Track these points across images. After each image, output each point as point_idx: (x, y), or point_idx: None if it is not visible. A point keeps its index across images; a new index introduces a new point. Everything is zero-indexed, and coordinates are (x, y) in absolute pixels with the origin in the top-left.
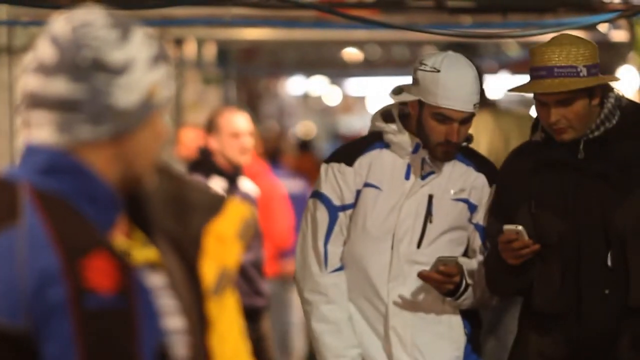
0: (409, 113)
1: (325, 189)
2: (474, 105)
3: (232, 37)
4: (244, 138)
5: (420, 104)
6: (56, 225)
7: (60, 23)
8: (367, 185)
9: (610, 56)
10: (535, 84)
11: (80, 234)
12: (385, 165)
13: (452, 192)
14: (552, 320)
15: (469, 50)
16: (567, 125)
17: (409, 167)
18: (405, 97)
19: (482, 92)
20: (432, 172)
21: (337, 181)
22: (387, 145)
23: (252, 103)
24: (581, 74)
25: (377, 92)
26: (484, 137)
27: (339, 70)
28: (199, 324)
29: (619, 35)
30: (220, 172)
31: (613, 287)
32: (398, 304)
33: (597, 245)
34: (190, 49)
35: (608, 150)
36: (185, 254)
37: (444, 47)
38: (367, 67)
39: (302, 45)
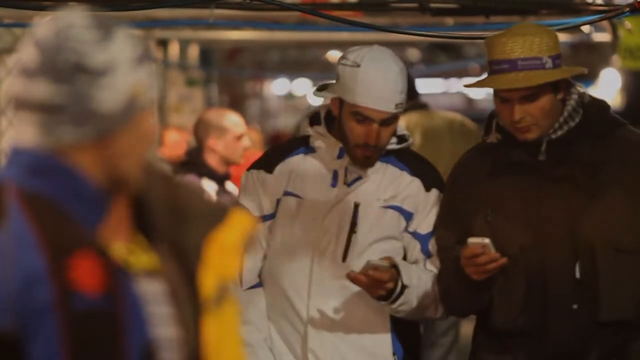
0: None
1: (244, 198)
2: (397, 105)
3: (215, 38)
4: (245, 139)
5: (341, 102)
6: (42, 225)
7: (44, 26)
8: (287, 193)
9: (592, 58)
10: (497, 79)
11: (66, 234)
12: (309, 171)
13: (382, 199)
14: (514, 338)
15: (452, 52)
16: (531, 123)
17: (335, 173)
18: (326, 94)
19: (415, 93)
20: (359, 178)
21: (257, 189)
22: (313, 150)
23: (235, 104)
24: (547, 66)
25: None
26: (415, 139)
27: (322, 73)
28: (196, 334)
29: (602, 37)
30: (211, 174)
31: (582, 302)
32: (318, 323)
33: (564, 256)
34: (173, 51)
35: (572, 152)
36: (186, 262)
37: (427, 48)
38: None
39: (286, 47)
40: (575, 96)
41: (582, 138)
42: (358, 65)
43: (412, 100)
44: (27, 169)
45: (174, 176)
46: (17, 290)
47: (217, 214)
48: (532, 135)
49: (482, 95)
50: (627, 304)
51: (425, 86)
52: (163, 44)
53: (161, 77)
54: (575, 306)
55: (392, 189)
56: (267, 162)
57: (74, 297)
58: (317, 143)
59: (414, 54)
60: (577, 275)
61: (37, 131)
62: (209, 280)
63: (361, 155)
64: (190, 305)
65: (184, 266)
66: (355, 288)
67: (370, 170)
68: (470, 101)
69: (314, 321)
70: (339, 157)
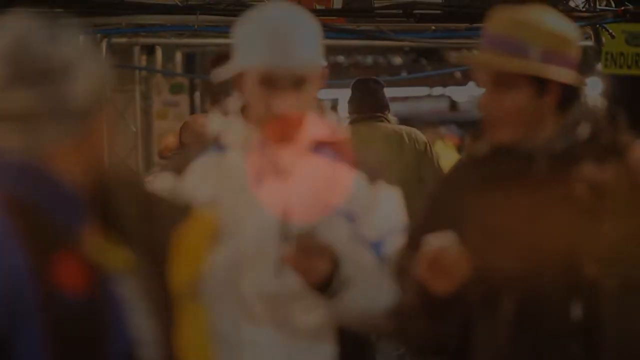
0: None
1: None
2: (306, 60)
3: (200, 45)
4: None
5: (242, 76)
6: (24, 228)
7: None
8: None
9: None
10: (474, 56)
11: (48, 237)
12: (222, 173)
13: (317, 198)
14: None
15: (434, 58)
16: (500, 118)
17: (256, 170)
18: (227, 70)
19: (381, 106)
20: (287, 173)
21: None
22: (226, 147)
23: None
24: (531, 56)
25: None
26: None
27: None
28: (169, 329)
29: (584, 43)
30: None
31: (580, 346)
32: (250, 354)
33: (560, 291)
34: (157, 57)
35: (576, 169)
36: (155, 261)
37: (409, 54)
38: (336, 72)
39: None
40: (580, 107)
41: (590, 155)
42: (253, 21)
43: (378, 113)
44: (8, 176)
45: (139, 180)
46: (1, 291)
47: (180, 211)
48: (500, 137)
49: (466, 98)
50: (635, 350)
51: (409, 91)
52: (148, 50)
53: (146, 84)
54: (573, 350)
55: (330, 186)
56: (175, 167)
57: (58, 297)
58: (230, 137)
59: (397, 60)
60: (576, 314)
61: (19, 139)
62: (178, 277)
63: (276, 131)
64: (164, 303)
65: (153, 265)
66: (293, 309)
67: (301, 165)
68: (454, 104)
69: (246, 352)
70: (259, 148)
